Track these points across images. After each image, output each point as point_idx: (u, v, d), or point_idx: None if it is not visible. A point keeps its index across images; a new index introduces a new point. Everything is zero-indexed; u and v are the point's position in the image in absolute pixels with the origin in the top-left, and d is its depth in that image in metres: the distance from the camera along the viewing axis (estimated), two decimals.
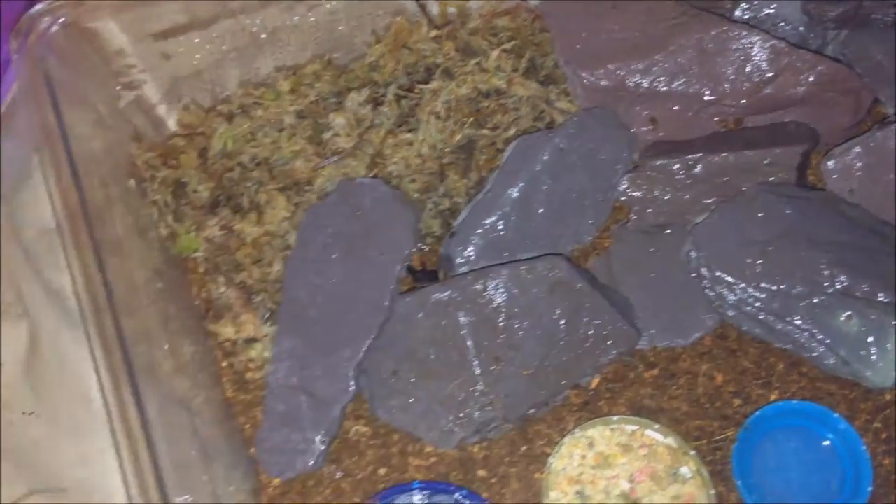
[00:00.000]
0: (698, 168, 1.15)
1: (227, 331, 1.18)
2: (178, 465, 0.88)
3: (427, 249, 1.21)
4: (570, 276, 1.08)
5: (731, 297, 1.09)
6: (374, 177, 1.20)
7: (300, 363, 1.11)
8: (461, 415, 1.08)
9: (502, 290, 1.07)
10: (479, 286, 1.07)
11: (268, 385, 1.13)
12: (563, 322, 1.07)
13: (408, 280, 1.18)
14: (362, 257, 1.13)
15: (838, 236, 1.09)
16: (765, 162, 1.14)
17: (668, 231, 1.17)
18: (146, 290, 1.05)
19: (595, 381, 1.12)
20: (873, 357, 1.03)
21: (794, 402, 1.07)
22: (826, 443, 1.05)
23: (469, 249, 1.14)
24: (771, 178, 1.14)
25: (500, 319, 1.08)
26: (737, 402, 1.09)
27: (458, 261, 1.15)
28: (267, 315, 1.17)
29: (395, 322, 1.10)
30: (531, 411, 1.09)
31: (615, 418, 1.07)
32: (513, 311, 1.07)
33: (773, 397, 1.09)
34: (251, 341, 1.17)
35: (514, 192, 1.15)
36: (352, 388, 1.09)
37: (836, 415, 1.05)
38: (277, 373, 1.12)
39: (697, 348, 1.13)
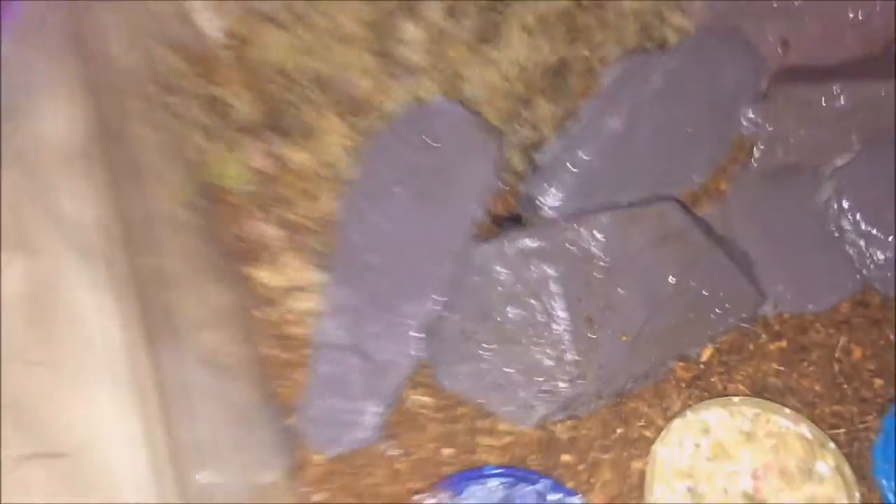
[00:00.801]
0: (841, 99, 1.06)
1: (264, 275, 1.09)
2: (200, 434, 0.83)
3: (506, 189, 1.12)
4: (684, 226, 1.01)
5: (879, 256, 1.03)
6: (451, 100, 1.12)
7: (354, 319, 1.05)
8: (545, 387, 1.00)
9: (601, 239, 0.99)
10: (572, 234, 1.00)
11: (314, 343, 1.06)
12: (672, 280, 1.00)
13: (486, 225, 1.09)
14: (434, 195, 1.06)
15: None
16: None
17: (801, 174, 1.09)
18: (171, 225, 0.96)
19: (707, 353, 1.04)
20: None
21: None
22: None
23: (557, 190, 1.07)
24: None
25: (597, 275, 0.99)
26: (878, 382, 1.00)
27: (544, 202, 1.07)
28: (315, 259, 1.09)
29: (470, 274, 1.03)
30: (628, 385, 1.02)
31: (735, 399, 1.00)
32: (612, 266, 1.00)
33: None
34: (294, 289, 1.09)
35: (615, 123, 1.07)
36: (414, 351, 1.03)
37: None
38: (326, 329, 1.06)
39: (833, 316, 1.05)
